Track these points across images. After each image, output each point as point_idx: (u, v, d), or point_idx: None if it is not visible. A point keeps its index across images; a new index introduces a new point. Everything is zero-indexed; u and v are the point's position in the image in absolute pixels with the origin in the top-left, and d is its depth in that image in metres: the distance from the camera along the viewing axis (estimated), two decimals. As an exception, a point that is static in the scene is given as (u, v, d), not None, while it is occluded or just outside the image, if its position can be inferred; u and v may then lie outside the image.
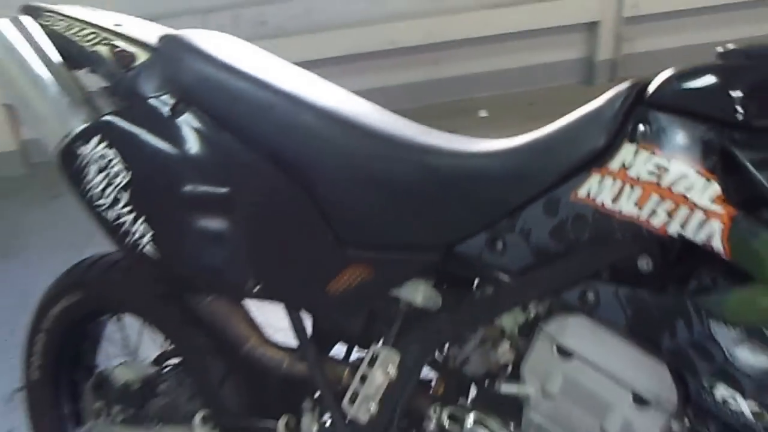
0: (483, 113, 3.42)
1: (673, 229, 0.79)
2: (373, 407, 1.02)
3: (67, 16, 1.16)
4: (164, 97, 1.05)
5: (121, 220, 1.09)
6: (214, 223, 1.04)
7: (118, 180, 1.07)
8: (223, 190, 1.03)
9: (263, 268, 1.05)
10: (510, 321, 0.96)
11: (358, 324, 1.07)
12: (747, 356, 0.76)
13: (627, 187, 0.81)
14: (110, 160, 1.07)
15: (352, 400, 1.03)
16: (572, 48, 3.62)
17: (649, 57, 3.54)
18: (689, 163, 0.78)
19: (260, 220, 1.04)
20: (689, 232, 0.77)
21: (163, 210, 1.08)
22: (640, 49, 3.61)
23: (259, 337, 1.23)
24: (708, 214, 0.76)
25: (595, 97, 0.88)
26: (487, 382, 0.99)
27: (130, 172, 1.07)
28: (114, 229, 1.10)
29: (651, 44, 3.59)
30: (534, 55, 3.58)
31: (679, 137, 0.79)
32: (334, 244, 0.99)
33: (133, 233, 1.08)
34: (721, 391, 0.78)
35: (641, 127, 0.81)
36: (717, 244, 0.76)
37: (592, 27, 3.58)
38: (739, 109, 0.76)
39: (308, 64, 1.18)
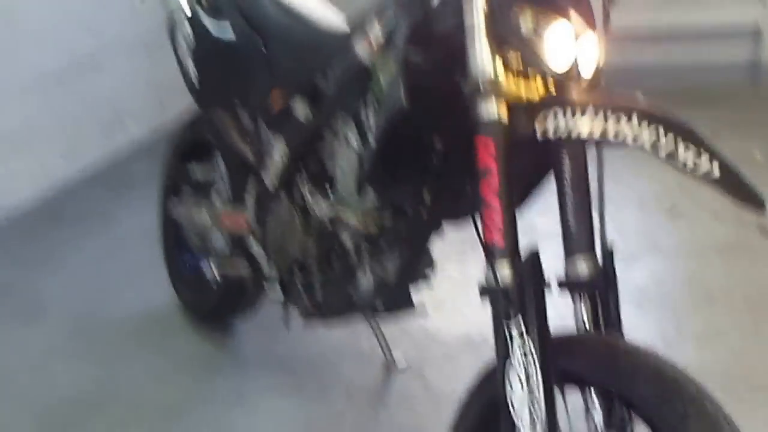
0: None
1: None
2: (275, 179, 1.67)
3: None
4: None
5: (188, 70, 1.85)
6: (225, 63, 1.77)
7: (189, 45, 1.83)
8: (233, 40, 1.75)
9: (240, 88, 1.76)
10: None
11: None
12: None
13: None
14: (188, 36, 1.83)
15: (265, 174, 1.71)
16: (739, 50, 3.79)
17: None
18: None
19: (244, 56, 1.73)
20: None
21: (205, 58, 1.81)
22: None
23: (239, 138, 1.86)
24: None
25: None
26: None
27: (196, 42, 1.81)
28: (183, 72, 1.86)
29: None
30: (702, 54, 3.77)
31: None
32: (268, 73, 1.68)
33: (189, 73, 1.84)
34: None
35: None
36: None
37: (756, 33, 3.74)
38: None
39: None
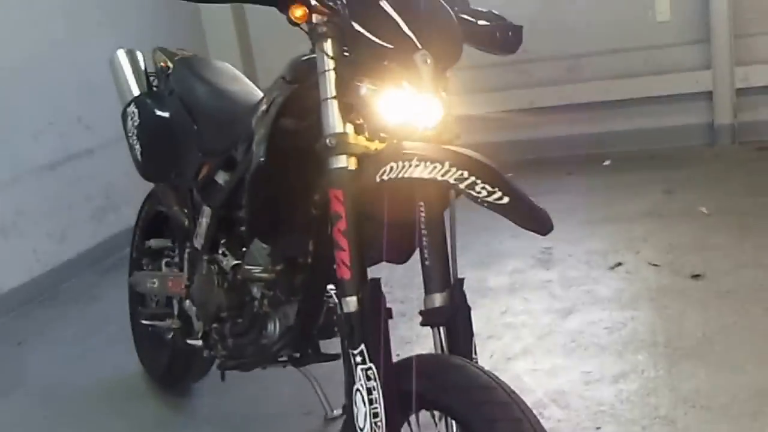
0: (607, 162, 3.96)
1: None
2: (202, 239, 1.82)
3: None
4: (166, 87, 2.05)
5: (134, 145, 2.05)
6: (162, 139, 2.00)
7: (135, 123, 2.05)
8: (169, 118, 2.00)
9: (176, 162, 1.98)
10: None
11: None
12: None
13: None
14: (134, 114, 2.06)
15: (196, 237, 1.86)
16: (693, 114, 4.00)
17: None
18: None
19: (179, 133, 1.95)
20: None
21: (147, 135, 2.02)
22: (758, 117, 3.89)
23: (180, 207, 2.05)
24: None
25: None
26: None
27: (139, 119, 2.04)
28: (131, 149, 2.06)
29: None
30: (659, 118, 4.04)
31: None
32: (197, 147, 1.86)
33: (135, 149, 2.04)
34: None
35: None
36: None
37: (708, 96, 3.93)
38: None
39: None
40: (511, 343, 2.32)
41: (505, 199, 1.08)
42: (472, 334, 1.26)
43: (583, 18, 4.05)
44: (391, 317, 1.24)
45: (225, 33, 4.60)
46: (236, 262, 1.67)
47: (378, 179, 1.20)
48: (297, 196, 1.45)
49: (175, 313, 2.09)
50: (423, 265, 1.28)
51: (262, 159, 1.41)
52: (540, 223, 1.10)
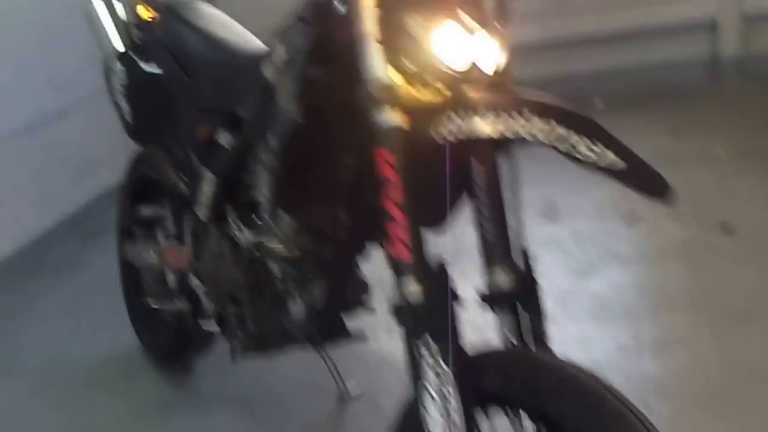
0: (599, 103, 3.53)
1: None
2: (206, 209, 1.65)
3: None
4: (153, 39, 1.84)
5: (121, 106, 1.88)
6: (153, 98, 1.80)
7: (121, 81, 1.89)
8: (160, 75, 1.79)
9: (170, 122, 1.77)
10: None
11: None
12: None
13: None
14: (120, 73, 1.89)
15: (198, 207, 1.68)
16: (694, 47, 3.64)
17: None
18: None
19: (171, 91, 1.75)
20: None
21: (136, 94, 1.86)
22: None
23: (175, 172, 1.87)
24: None
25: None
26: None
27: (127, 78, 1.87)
28: (118, 109, 1.89)
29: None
30: (656, 53, 3.65)
31: None
32: (193, 105, 1.68)
33: (123, 110, 1.88)
34: None
35: None
36: None
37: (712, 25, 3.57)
38: None
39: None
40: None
41: (621, 164, 0.90)
42: (543, 316, 1.10)
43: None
44: (459, 304, 1.07)
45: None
46: (256, 239, 1.48)
47: (441, 138, 1.01)
48: (330, 160, 1.26)
49: (176, 288, 1.92)
50: (481, 234, 1.10)
51: (298, 119, 1.21)
52: (662, 188, 0.92)
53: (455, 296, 1.06)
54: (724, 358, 1.81)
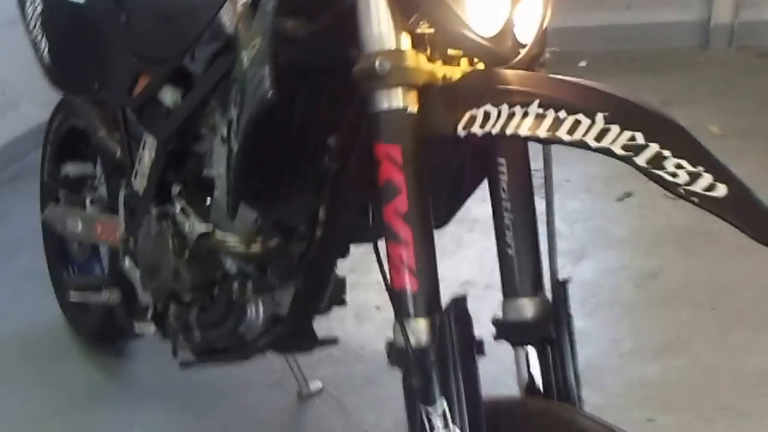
0: (582, 63, 3.42)
1: None
2: (144, 180, 1.31)
3: None
4: None
5: (38, 42, 1.48)
6: (77, 35, 1.42)
7: (37, 12, 1.46)
8: (85, 5, 1.40)
9: (99, 69, 1.39)
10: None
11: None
12: None
13: None
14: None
15: (135, 176, 1.35)
16: (688, 10, 3.53)
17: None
18: None
19: (102, 29, 1.36)
20: None
21: (56, 28, 1.45)
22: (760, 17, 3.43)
23: (108, 130, 1.54)
24: None
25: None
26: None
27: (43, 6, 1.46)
28: (35, 46, 1.49)
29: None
30: (642, 12, 3.55)
31: None
32: (130, 51, 1.30)
33: (41, 48, 1.47)
34: None
35: None
36: None
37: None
38: None
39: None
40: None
41: (722, 189, 0.63)
42: (574, 359, 0.90)
43: None
44: (482, 353, 0.83)
45: None
46: (204, 230, 1.17)
47: (460, 130, 0.75)
48: (309, 142, 0.98)
49: (106, 268, 1.61)
50: (501, 253, 0.88)
51: (267, 87, 0.89)
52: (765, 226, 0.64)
53: (474, 339, 0.82)
54: (733, 364, 1.63)
